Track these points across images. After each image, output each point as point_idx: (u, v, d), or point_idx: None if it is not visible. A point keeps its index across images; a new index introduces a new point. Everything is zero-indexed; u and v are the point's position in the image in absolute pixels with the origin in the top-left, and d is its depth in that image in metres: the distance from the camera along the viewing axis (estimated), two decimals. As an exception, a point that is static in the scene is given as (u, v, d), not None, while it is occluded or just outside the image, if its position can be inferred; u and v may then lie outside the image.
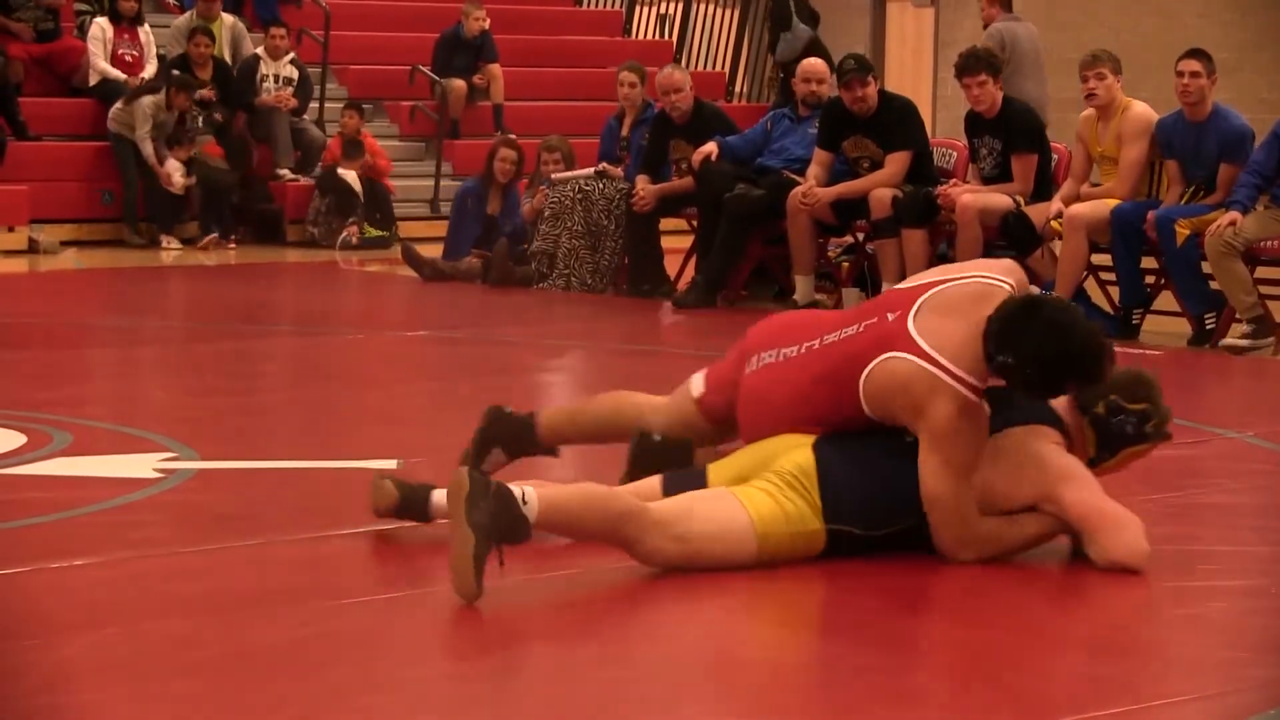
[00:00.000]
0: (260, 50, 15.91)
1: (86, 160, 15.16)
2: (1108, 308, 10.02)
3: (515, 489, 4.49)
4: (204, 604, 4.47)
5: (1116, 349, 4.95)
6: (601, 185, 11.84)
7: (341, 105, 15.91)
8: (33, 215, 14.61)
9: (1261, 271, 9.65)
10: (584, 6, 19.83)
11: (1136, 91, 10.12)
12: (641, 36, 19.67)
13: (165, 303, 12.10)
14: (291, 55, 15.95)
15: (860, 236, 11.20)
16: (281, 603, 4.46)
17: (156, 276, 13.37)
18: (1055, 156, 10.53)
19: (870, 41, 19.63)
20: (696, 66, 18.52)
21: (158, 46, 15.76)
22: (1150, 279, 9.98)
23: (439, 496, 4.98)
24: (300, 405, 7.81)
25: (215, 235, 14.85)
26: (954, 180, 10.62)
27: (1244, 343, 9.27)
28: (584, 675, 3.99)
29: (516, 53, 17.36)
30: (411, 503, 5.04)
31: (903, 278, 10.39)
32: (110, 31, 15.49)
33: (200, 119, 15.12)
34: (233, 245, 14.91)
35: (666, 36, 19.64)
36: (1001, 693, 3.96)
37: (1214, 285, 9.48)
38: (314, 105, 16.24)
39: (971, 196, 10.17)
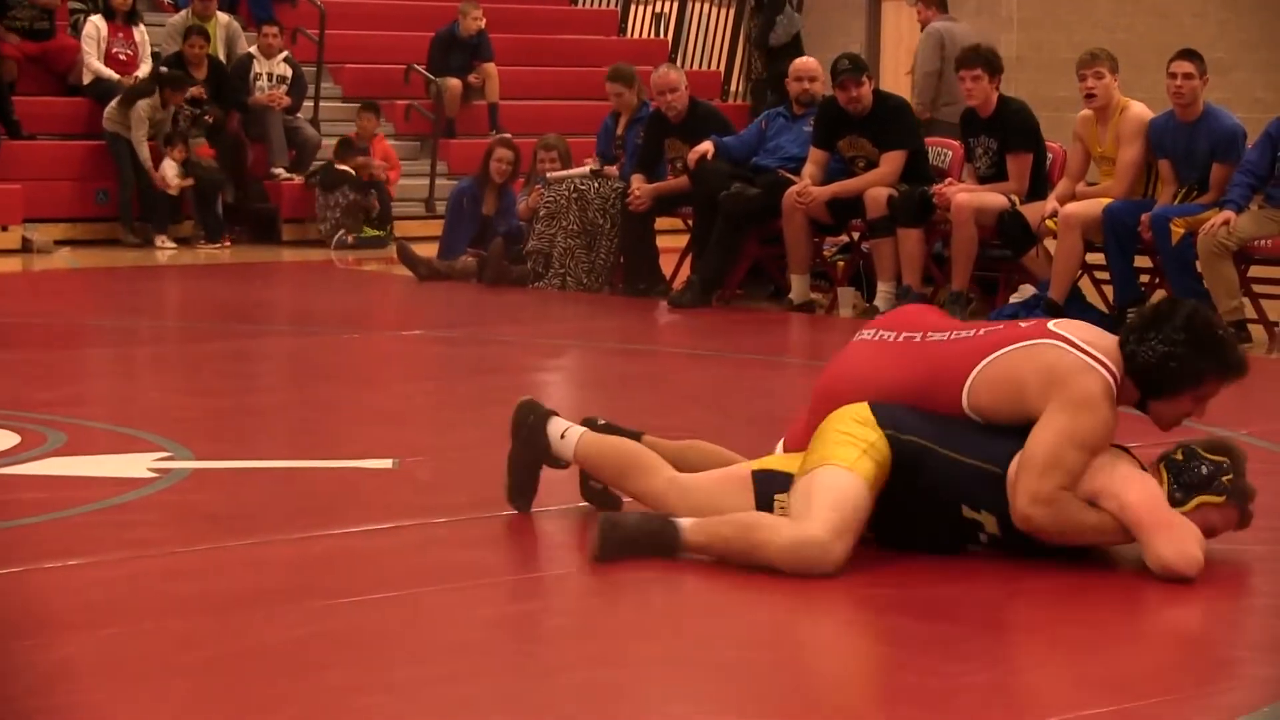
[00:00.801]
0: (254, 49, 15.90)
1: (81, 159, 15.16)
2: (1102, 307, 10.03)
3: (675, 519, 4.71)
4: (200, 604, 4.47)
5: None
6: (597, 184, 11.85)
7: (356, 106, 15.94)
8: (27, 214, 14.61)
9: (1255, 271, 9.66)
10: (579, 6, 19.83)
11: (1132, 91, 10.13)
12: (637, 36, 19.67)
13: (160, 302, 12.10)
14: (285, 54, 15.93)
15: (856, 236, 11.20)
16: (278, 603, 4.46)
17: (151, 276, 13.36)
18: (1050, 155, 10.54)
19: (865, 41, 19.62)
20: (692, 66, 18.52)
21: (152, 45, 15.75)
22: (1145, 278, 9.99)
23: None
24: (296, 405, 7.81)
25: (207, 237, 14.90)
26: (949, 179, 10.63)
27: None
28: (579, 674, 3.99)
29: (512, 52, 17.36)
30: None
31: (898, 277, 10.44)
32: (104, 30, 15.47)
33: (192, 119, 15.11)
34: (227, 245, 14.91)
35: (662, 35, 19.65)
36: (994, 691, 3.96)
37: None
38: (309, 104, 16.23)
39: (967, 196, 10.18)
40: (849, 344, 5.19)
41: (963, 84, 10.34)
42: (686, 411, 7.48)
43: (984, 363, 4.85)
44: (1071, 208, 9.87)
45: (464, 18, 16.66)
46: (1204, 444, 4.93)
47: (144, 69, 15.44)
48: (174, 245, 14.79)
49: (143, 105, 14.71)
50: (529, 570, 4.92)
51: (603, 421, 5.43)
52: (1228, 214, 9.31)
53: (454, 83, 16.49)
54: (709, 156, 11.14)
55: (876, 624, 4.37)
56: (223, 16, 16.29)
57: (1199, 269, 9.46)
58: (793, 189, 10.75)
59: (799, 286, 10.92)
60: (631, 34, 19.64)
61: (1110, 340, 4.86)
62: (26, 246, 14.38)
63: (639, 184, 11.54)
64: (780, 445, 5.25)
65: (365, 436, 6.84)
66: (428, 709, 3.77)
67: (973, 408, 4.85)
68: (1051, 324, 4.92)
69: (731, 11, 19.00)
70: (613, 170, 12.07)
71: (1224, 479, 4.85)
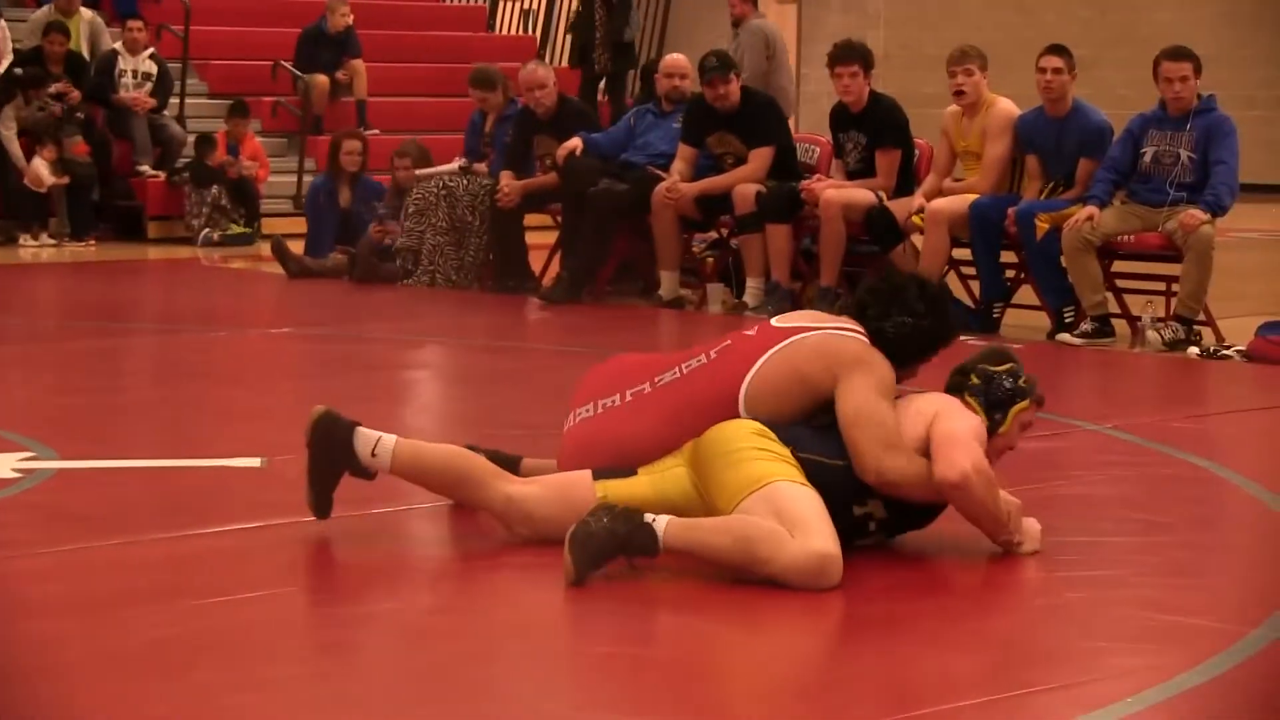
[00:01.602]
0: (119, 45, 15.71)
1: (-58, 157, 14.90)
2: (969, 302, 10.14)
3: (649, 516, 4.60)
4: (66, 605, 4.42)
5: (978, 343, 5.05)
6: (466, 181, 11.82)
7: (222, 103, 15.81)
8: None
9: (1118, 266, 9.80)
10: (448, 2, 19.77)
11: (998, 88, 10.25)
12: (505, 32, 19.64)
13: (25, 301, 11.91)
14: (151, 50, 15.76)
15: (725, 232, 11.25)
16: (146, 602, 4.42)
17: (16, 275, 13.16)
18: (917, 152, 10.64)
19: (733, 37, 19.67)
20: (560, 63, 18.51)
21: (14, 41, 15.51)
22: (1010, 273, 10.11)
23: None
24: (163, 404, 7.73)
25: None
26: (817, 175, 10.70)
27: (1079, 341, 9.42)
28: (451, 672, 3.98)
29: (380, 48, 17.27)
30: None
31: (767, 273, 10.50)
32: (-37, 26, 15.24)
33: (67, 116, 14.92)
34: (92, 243, 14.72)
35: (530, 32, 19.63)
36: (863, 685, 4.00)
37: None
38: (174, 101, 16.06)
39: (835, 192, 10.25)
40: (570, 429, 5.16)
41: (839, 80, 10.39)
42: (556, 408, 7.45)
43: (749, 377, 4.96)
44: (938, 203, 9.97)
45: (331, 14, 16.55)
46: (985, 358, 5.06)
47: (2, 65, 15.19)
48: (37, 243, 14.57)
49: (8, 109, 14.53)
50: (400, 568, 4.90)
51: (484, 451, 5.32)
52: (1091, 209, 9.44)
53: (321, 79, 16.38)
54: (578, 153, 11.14)
55: (753, 619, 4.39)
56: (86, 12, 16.08)
57: (1063, 264, 9.59)
58: (662, 185, 10.77)
59: (668, 283, 10.95)
60: (500, 30, 19.61)
61: (842, 319, 5.06)
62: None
63: (508, 181, 11.52)
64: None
65: (233, 435, 6.78)
66: (298, 707, 3.74)
67: (753, 416, 4.92)
68: (775, 322, 5.10)
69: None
70: (481, 167, 12.04)
71: (1022, 383, 5.00)
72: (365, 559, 4.95)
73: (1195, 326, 9.32)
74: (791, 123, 11.94)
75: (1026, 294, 9.98)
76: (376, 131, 16.11)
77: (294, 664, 4.00)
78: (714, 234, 11.50)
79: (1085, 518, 5.48)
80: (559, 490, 4.94)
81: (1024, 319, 9.99)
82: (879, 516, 4.85)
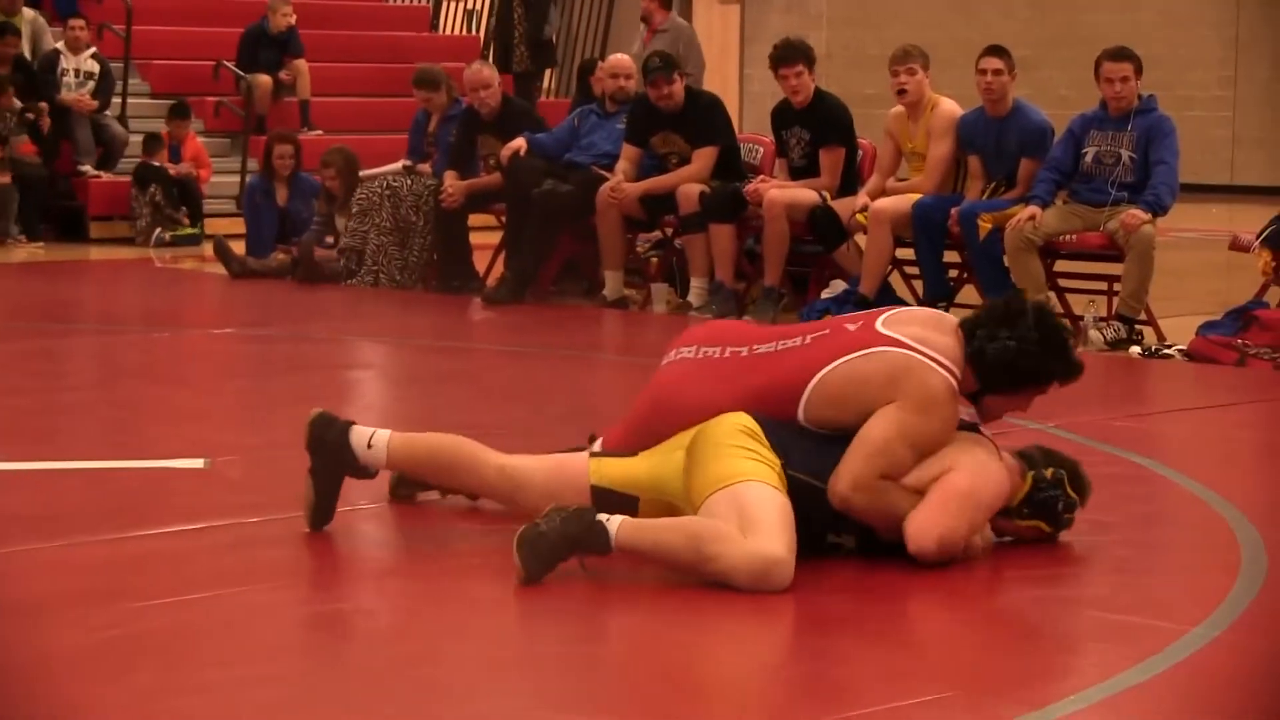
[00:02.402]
0: (60, 45, 15.61)
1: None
2: (912, 301, 10.17)
3: (603, 518, 4.53)
4: (6, 608, 4.38)
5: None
6: (410, 181, 11.80)
7: (164, 102, 15.72)
8: None
9: (1060, 265, 9.85)
10: (391, 2, 19.72)
11: (939, 88, 10.28)
12: (449, 32, 19.60)
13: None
14: (93, 50, 15.67)
15: (669, 232, 11.26)
16: (87, 605, 4.39)
17: (-46, 275, 13.07)
18: (860, 152, 10.67)
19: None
20: (504, 62, 18.46)
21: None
22: (953, 273, 10.15)
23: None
24: (105, 404, 7.68)
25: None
26: (761, 175, 10.72)
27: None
28: (395, 674, 3.97)
29: (323, 48, 17.21)
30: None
31: (711, 273, 10.51)
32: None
33: (17, 118, 14.83)
34: (41, 245, 14.62)
35: (474, 32, 19.60)
36: (806, 683, 4.01)
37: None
38: (116, 100, 15.97)
39: (779, 192, 10.27)
40: (670, 363, 5.08)
41: (785, 82, 10.40)
42: (500, 408, 7.47)
43: (820, 375, 4.83)
44: (881, 203, 10.00)
45: (273, 13, 16.49)
46: (1074, 475, 5.00)
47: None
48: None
49: None
50: (344, 570, 4.89)
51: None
52: (1033, 209, 9.49)
53: (264, 79, 16.32)
54: (522, 153, 11.13)
55: (697, 620, 4.39)
56: (28, 12, 16.00)
57: (1006, 263, 9.63)
58: (606, 185, 10.77)
59: (613, 283, 10.95)
60: (443, 30, 19.57)
61: (946, 337, 4.87)
62: None
63: (452, 181, 11.50)
64: (599, 443, 5.24)
65: (176, 436, 6.74)
66: (241, 711, 3.72)
67: (810, 420, 4.83)
68: (881, 324, 4.89)
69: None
70: (425, 167, 12.02)
71: (1066, 517, 4.97)
72: (311, 560, 4.93)
73: (1137, 326, 9.38)
74: (736, 122, 11.97)
75: (970, 294, 10.01)
76: (320, 131, 16.06)
77: (237, 667, 3.98)
78: (658, 234, 11.51)
79: (1028, 516, 5.48)
80: (553, 462, 4.98)
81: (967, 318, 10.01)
82: (848, 548, 4.83)
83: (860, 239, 10.28)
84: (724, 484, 4.62)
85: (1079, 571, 4.83)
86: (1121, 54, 9.59)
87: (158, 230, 14.84)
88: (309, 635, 4.28)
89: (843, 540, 4.81)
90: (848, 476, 4.70)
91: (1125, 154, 9.49)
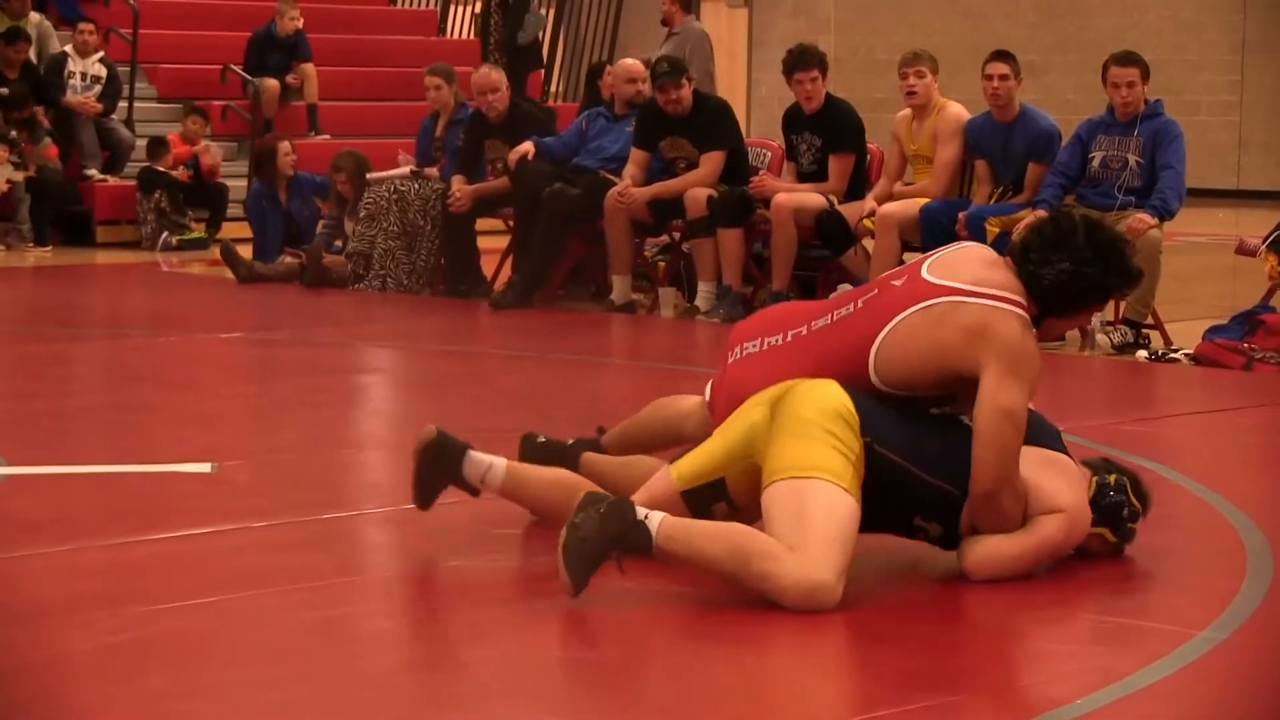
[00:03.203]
0: (68, 48, 15.63)
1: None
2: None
3: (640, 513, 4.40)
4: (16, 611, 4.39)
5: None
6: (417, 185, 11.80)
7: (171, 106, 15.75)
8: None
9: (1068, 269, 9.82)
10: (398, 6, 19.72)
11: (947, 92, 10.30)
12: (456, 36, 19.60)
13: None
14: (100, 54, 15.68)
15: (676, 236, 11.26)
16: (95, 609, 4.39)
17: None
18: (868, 156, 10.67)
19: (685, 42, 19.69)
20: (512, 66, 18.47)
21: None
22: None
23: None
24: (112, 409, 7.69)
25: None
26: (762, 172, 10.70)
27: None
28: (402, 678, 3.98)
29: (330, 52, 17.22)
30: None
31: (719, 277, 10.51)
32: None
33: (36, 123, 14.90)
34: (49, 249, 14.63)
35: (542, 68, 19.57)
36: (804, 686, 4.01)
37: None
38: (123, 104, 15.99)
39: (786, 196, 10.27)
40: (736, 360, 4.96)
41: (800, 88, 10.42)
42: (508, 412, 7.47)
43: (880, 337, 4.70)
44: (888, 208, 10.00)
45: (281, 17, 16.50)
46: (1137, 484, 4.93)
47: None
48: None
49: None
50: (350, 573, 4.89)
51: (542, 439, 5.27)
52: (1041, 213, 9.48)
53: (271, 83, 16.33)
54: (530, 157, 11.13)
55: (697, 624, 4.39)
56: (34, 15, 16.00)
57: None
58: (614, 189, 10.78)
59: (620, 287, 10.95)
60: (451, 34, 19.57)
61: (998, 271, 4.73)
62: None
63: (459, 185, 11.50)
64: (708, 388, 5.13)
65: (183, 440, 6.75)
66: (250, 714, 3.73)
67: (887, 384, 4.71)
68: (927, 271, 4.74)
69: (551, 11, 18.99)
70: (433, 171, 12.02)
71: (1130, 525, 4.91)
72: (316, 564, 4.93)
73: (1144, 330, 9.37)
74: (744, 126, 11.97)
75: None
76: (327, 136, 16.08)
77: (245, 670, 3.98)
78: (666, 238, 11.50)
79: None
80: (643, 493, 4.77)
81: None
82: (934, 535, 4.76)
83: (868, 243, 10.29)
84: (794, 474, 4.47)
85: (1086, 575, 4.82)
86: (1128, 59, 9.59)
87: (164, 234, 14.85)
88: (316, 639, 4.28)
89: (929, 527, 4.72)
90: (994, 470, 4.57)
91: (1132, 158, 9.49)
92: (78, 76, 15.49)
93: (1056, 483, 4.72)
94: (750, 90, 23.46)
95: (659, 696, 3.95)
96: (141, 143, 15.50)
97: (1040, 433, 4.82)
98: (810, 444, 4.50)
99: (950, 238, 9.85)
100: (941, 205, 9.92)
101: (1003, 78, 9.86)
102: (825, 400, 4.58)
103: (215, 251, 13.20)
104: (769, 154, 11.18)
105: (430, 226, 11.69)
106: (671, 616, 4.44)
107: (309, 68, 16.56)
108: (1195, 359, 8.88)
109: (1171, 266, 9.80)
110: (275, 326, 10.49)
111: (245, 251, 12.55)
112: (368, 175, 12.02)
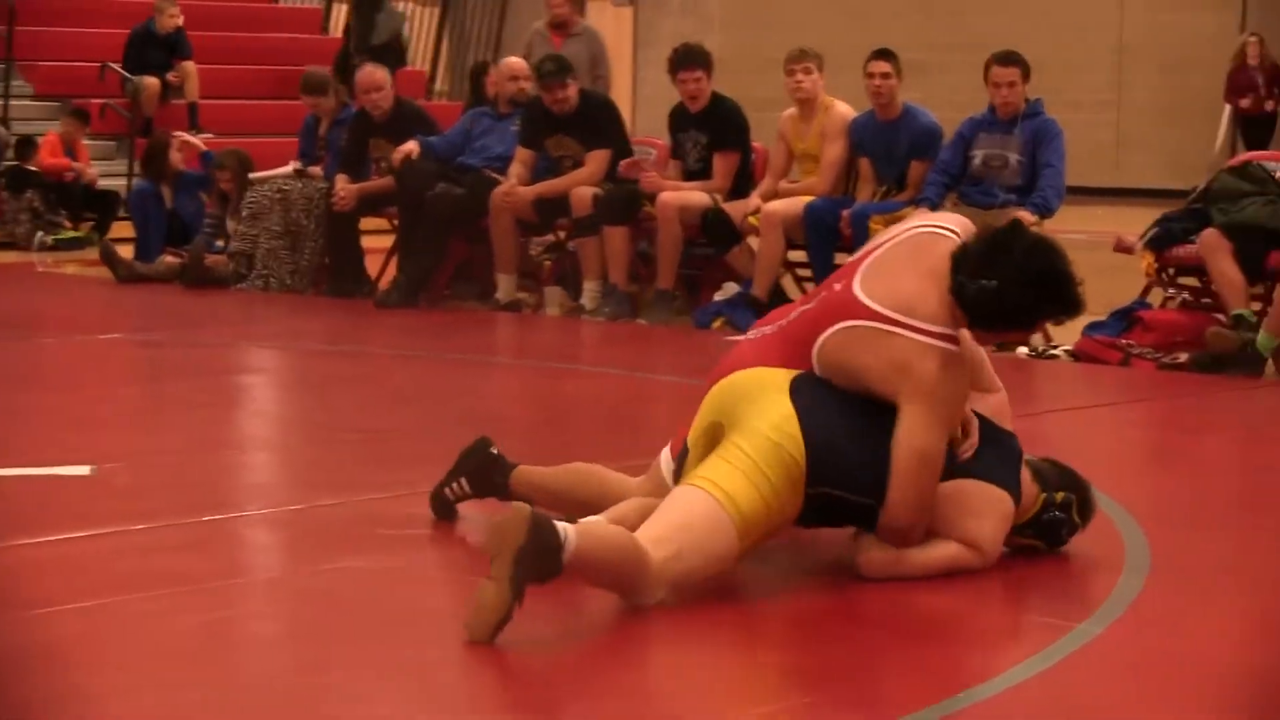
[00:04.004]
0: (-58, 45, 15.44)
1: None
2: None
3: (560, 531, 4.12)
4: (-113, 619, 4.32)
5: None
6: (301, 184, 11.73)
7: (48, 104, 15.59)
8: None
9: (950, 267, 9.91)
10: (281, 4, 19.59)
11: (832, 91, 10.36)
12: (340, 34, 19.49)
13: None
14: (-26, 52, 15.50)
15: (562, 235, 11.25)
16: (-30, 615, 4.33)
17: None
18: (753, 154, 10.71)
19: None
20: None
21: None
22: (845, 275, 10.19)
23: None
24: (-11, 411, 7.57)
25: None
26: (634, 160, 10.68)
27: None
28: (286, 680, 3.95)
29: (212, 50, 17.08)
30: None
31: (604, 276, 10.52)
32: None
33: None
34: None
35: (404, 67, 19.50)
36: (697, 683, 4.02)
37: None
38: None
39: (671, 194, 10.29)
40: (734, 347, 4.99)
41: (684, 87, 10.45)
42: (394, 412, 7.44)
43: (818, 343, 4.67)
44: (773, 205, 10.05)
45: (160, 15, 16.35)
46: (1085, 502, 4.93)
47: None
48: None
49: None
50: (232, 576, 4.84)
51: (494, 450, 5.17)
52: (923, 211, 9.56)
53: (151, 81, 16.18)
54: (414, 156, 11.09)
55: (583, 623, 4.39)
56: (-92, 13, 15.79)
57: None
58: (499, 188, 10.75)
59: (506, 286, 10.93)
60: (334, 33, 19.46)
61: (931, 289, 4.57)
62: None
63: (343, 184, 11.44)
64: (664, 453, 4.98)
65: (61, 443, 6.66)
66: (135, 718, 3.68)
67: (835, 383, 4.67)
68: (860, 281, 4.64)
69: (436, 11, 18.94)
70: (316, 170, 11.95)
71: (1067, 536, 4.94)
72: (198, 567, 4.88)
73: (1025, 326, 9.45)
74: (629, 125, 11.97)
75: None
76: (209, 134, 15.93)
77: (127, 674, 3.94)
78: (551, 237, 11.50)
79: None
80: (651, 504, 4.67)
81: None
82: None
83: (753, 241, 10.33)
84: (698, 482, 4.45)
85: (965, 571, 4.86)
86: (1009, 59, 9.69)
87: (39, 234, 14.67)
88: (198, 642, 4.23)
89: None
90: (903, 499, 4.55)
91: (1013, 157, 9.59)
92: (-48, 74, 15.29)
93: (983, 527, 4.70)
94: (636, 89, 23.48)
95: (534, 692, 3.94)
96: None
97: (996, 458, 4.79)
98: (730, 468, 4.46)
99: (835, 235, 9.93)
100: (826, 203, 9.97)
101: (885, 76, 9.93)
102: (776, 414, 4.51)
103: (94, 251, 13.06)
104: (654, 152, 11.20)
105: (314, 226, 11.62)
106: (553, 616, 4.43)
107: (190, 65, 16.42)
108: (1075, 355, 8.98)
109: (1052, 264, 9.88)
110: (156, 327, 10.38)
111: (126, 251, 12.42)
112: (250, 175, 11.92)
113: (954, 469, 4.69)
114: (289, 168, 12.01)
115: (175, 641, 4.23)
